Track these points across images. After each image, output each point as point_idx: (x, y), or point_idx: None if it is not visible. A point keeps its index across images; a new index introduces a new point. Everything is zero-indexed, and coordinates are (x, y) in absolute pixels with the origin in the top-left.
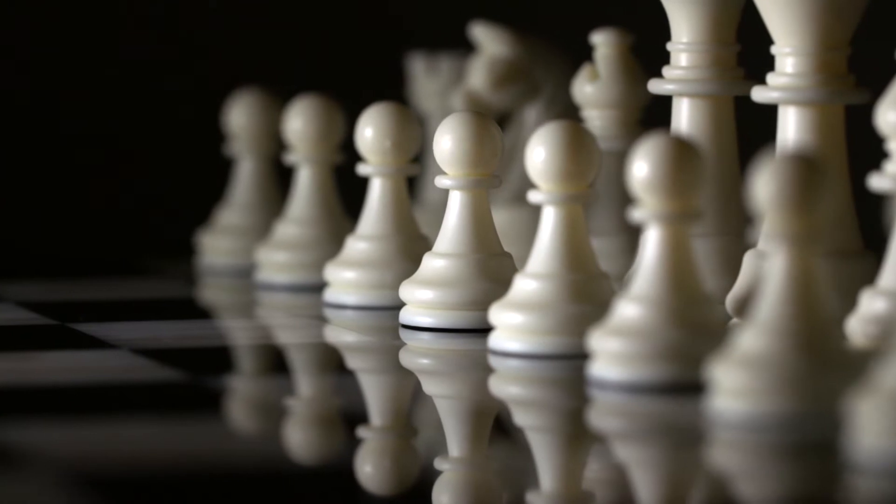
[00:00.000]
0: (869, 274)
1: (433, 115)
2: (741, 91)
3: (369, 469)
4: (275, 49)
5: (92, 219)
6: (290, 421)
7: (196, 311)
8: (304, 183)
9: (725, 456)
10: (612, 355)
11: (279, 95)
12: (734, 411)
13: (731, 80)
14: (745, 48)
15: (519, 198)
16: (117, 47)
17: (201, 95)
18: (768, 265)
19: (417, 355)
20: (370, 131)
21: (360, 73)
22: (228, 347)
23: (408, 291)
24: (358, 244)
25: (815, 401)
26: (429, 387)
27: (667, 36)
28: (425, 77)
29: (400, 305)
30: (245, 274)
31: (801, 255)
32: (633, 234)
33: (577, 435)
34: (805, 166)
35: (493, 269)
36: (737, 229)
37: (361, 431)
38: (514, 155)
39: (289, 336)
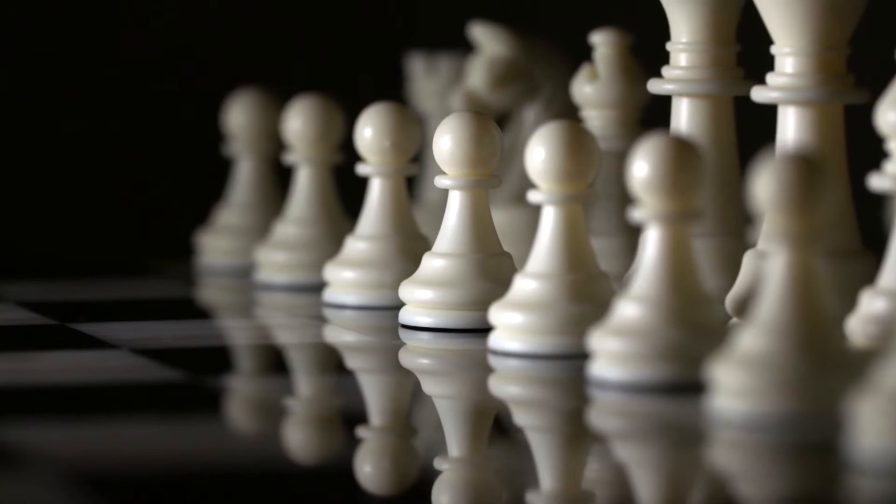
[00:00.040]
0: (868, 274)
1: (432, 115)
2: (741, 91)
3: (369, 469)
4: (274, 49)
5: (91, 219)
6: (290, 421)
7: (195, 312)
8: (304, 183)
9: (725, 456)
10: (612, 355)
11: (278, 95)
12: (734, 411)
13: (730, 80)
14: (745, 48)
15: (518, 198)
16: (117, 47)
17: (201, 95)
18: (768, 265)
19: (417, 355)
20: (370, 131)
21: (360, 73)
22: (228, 347)
23: (407, 291)
24: (357, 244)
25: (816, 401)
26: (428, 387)
27: (666, 36)
28: (424, 77)
29: (399, 305)
30: (244, 274)
31: (802, 255)
32: (632, 234)
33: (577, 435)
34: (805, 166)
35: (492, 269)
36: (737, 229)
37: (361, 431)
38: (514, 155)
39: (288, 336)
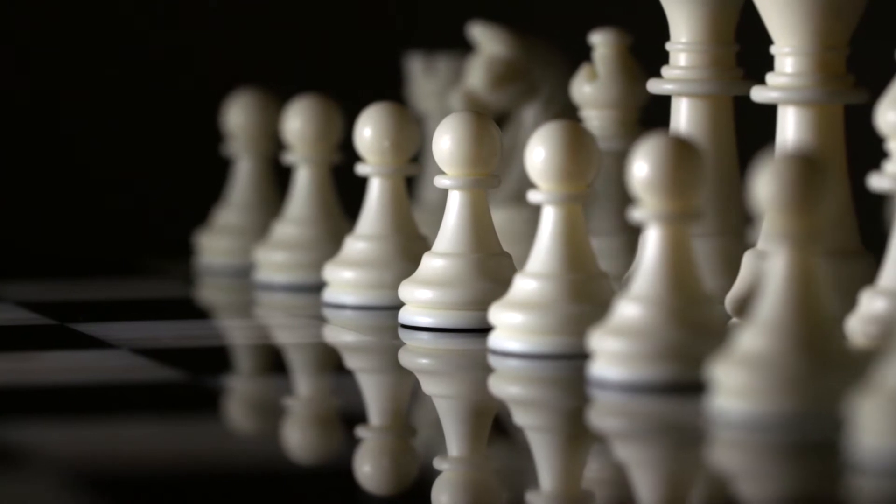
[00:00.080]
0: (868, 274)
1: (431, 115)
2: (740, 91)
3: (368, 469)
4: (273, 49)
5: (91, 219)
6: (289, 421)
7: (195, 312)
8: (303, 183)
9: (726, 456)
10: (612, 355)
11: (277, 95)
12: (734, 411)
13: (730, 80)
14: (744, 48)
15: (517, 197)
16: (117, 47)
17: (200, 95)
18: (769, 265)
19: (416, 355)
20: (369, 131)
21: (359, 73)
22: (227, 347)
23: (407, 291)
24: (357, 244)
25: (816, 400)
26: (428, 386)
27: (666, 36)
28: (423, 77)
29: (399, 305)
30: (243, 274)
31: (802, 255)
32: (632, 234)
33: (577, 435)
34: (805, 166)
35: (492, 269)
36: (736, 229)
37: (360, 431)
38: (513, 155)
39: (288, 336)
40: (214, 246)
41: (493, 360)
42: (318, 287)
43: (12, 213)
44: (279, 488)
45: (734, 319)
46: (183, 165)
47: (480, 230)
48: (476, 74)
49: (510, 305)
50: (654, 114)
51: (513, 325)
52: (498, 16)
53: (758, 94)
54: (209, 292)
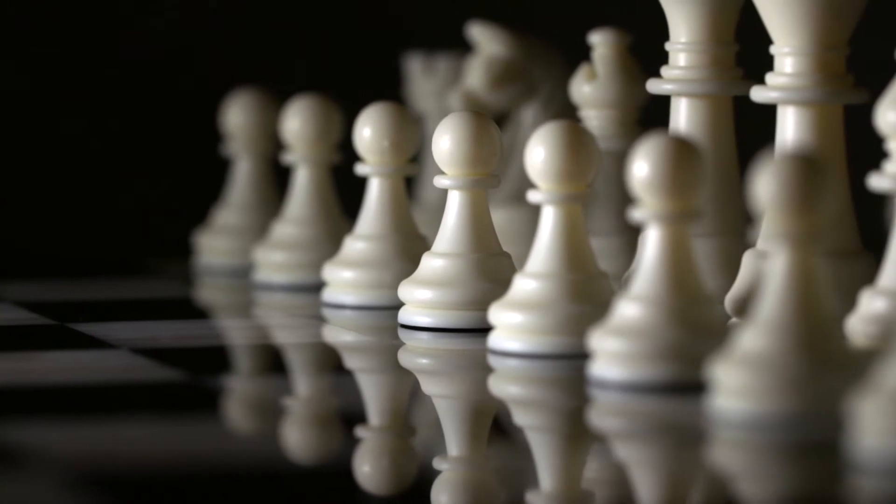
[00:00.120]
0: (868, 274)
1: (430, 115)
2: (740, 91)
3: (367, 469)
4: (273, 49)
5: (90, 219)
6: (289, 421)
7: (194, 311)
8: (302, 183)
9: (726, 455)
10: (612, 355)
11: (277, 95)
12: (735, 411)
13: (729, 80)
14: (744, 48)
15: (517, 197)
16: (117, 47)
17: (200, 95)
18: (769, 265)
19: (416, 355)
20: (368, 131)
21: (358, 73)
22: (227, 347)
23: (407, 291)
24: (356, 244)
25: (816, 400)
26: (428, 386)
27: (665, 36)
28: (422, 77)
29: (398, 305)
30: (242, 274)
31: (802, 255)
32: (631, 234)
33: (577, 435)
34: (806, 166)
35: (491, 269)
36: (737, 229)
37: (360, 431)
38: (512, 155)
39: (287, 336)
40: (214, 246)
41: (493, 360)
42: (318, 287)
43: (12, 213)
44: (279, 488)
45: (734, 319)
46: (182, 165)
47: (480, 230)
48: (475, 74)
49: (510, 305)
50: (653, 114)
51: (513, 325)
52: (497, 16)
53: (757, 94)
54: (208, 292)
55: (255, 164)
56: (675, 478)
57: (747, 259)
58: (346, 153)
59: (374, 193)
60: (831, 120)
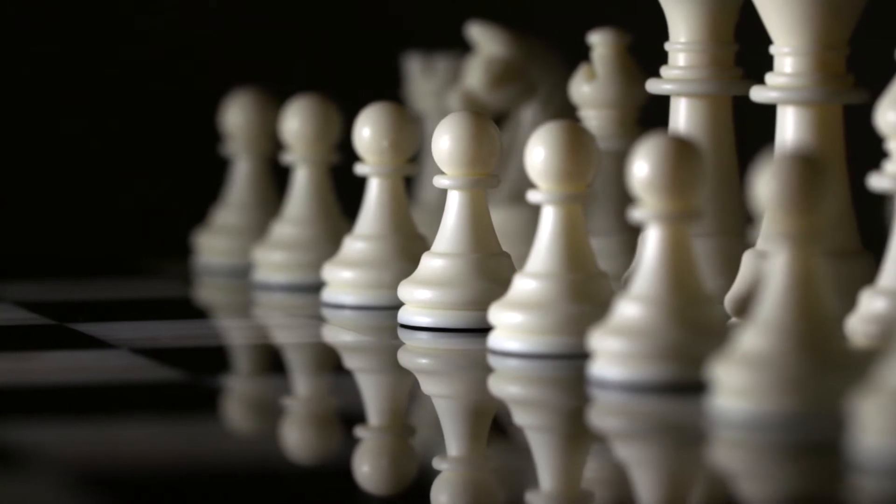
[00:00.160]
0: (868, 274)
1: (429, 115)
2: (739, 91)
3: (367, 469)
4: (272, 49)
5: (89, 219)
6: (288, 421)
7: (193, 311)
8: (301, 183)
9: (727, 455)
10: (612, 355)
11: (276, 95)
12: (735, 411)
13: (728, 80)
14: (744, 48)
15: (516, 197)
16: (117, 47)
17: (199, 95)
18: (769, 265)
19: (416, 355)
20: (368, 131)
21: (358, 73)
22: (226, 347)
23: (406, 291)
24: (356, 244)
25: (817, 400)
26: (427, 386)
27: (664, 36)
28: (421, 77)
29: (398, 305)
30: (241, 274)
31: (803, 255)
32: (630, 234)
33: (577, 435)
34: (806, 166)
35: (491, 269)
36: (736, 229)
37: (359, 431)
38: (511, 155)
39: (286, 336)
40: (213, 246)
41: (493, 360)
42: (317, 287)
43: (12, 213)
44: (278, 488)
45: (733, 319)
46: (182, 165)
47: (480, 230)
48: (474, 74)
49: (510, 305)
50: (652, 114)
51: (512, 325)
52: (496, 16)
53: (757, 94)
54: (208, 292)
55: (254, 163)
56: (676, 478)
57: (747, 259)
58: (346, 153)
59: (374, 193)
60: (831, 120)
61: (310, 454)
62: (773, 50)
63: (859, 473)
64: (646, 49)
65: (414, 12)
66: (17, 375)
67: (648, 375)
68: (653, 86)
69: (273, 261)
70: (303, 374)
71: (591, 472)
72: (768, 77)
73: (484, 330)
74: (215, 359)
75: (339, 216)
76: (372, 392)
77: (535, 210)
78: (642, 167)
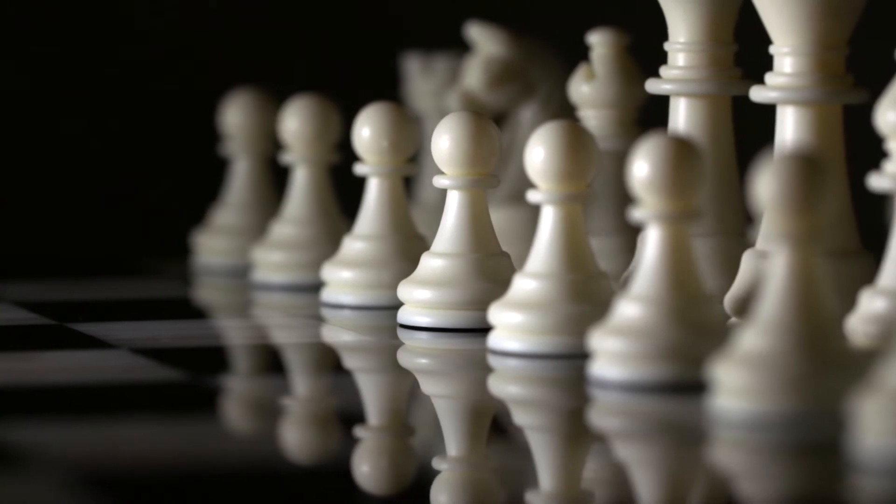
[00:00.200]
0: (868, 274)
1: (428, 115)
2: (738, 91)
3: (367, 469)
4: (271, 49)
5: (89, 219)
6: (288, 421)
7: (193, 311)
8: (301, 183)
9: (727, 455)
10: (612, 354)
11: (275, 95)
12: (735, 410)
13: (728, 80)
14: (743, 48)
15: (516, 197)
16: (117, 47)
17: (199, 95)
18: (769, 265)
19: (415, 355)
20: (367, 131)
21: (357, 72)
22: (226, 347)
23: (406, 291)
24: (355, 244)
25: (817, 400)
26: (427, 386)
27: (664, 36)
28: (420, 77)
29: (397, 305)
30: (241, 274)
31: (803, 255)
32: (629, 234)
33: (577, 435)
34: (807, 166)
35: (491, 269)
36: (735, 229)
37: (359, 431)
38: (511, 155)
39: (286, 336)
40: (212, 246)
41: (493, 360)
42: (316, 287)
43: (12, 213)
44: (278, 488)
45: (733, 319)
46: (181, 165)
47: (479, 230)
48: (473, 74)
49: (510, 305)
50: (651, 114)
51: (512, 325)
52: (495, 16)
53: (757, 94)
54: (207, 292)
55: (253, 163)
56: (676, 478)
57: (747, 259)
58: (345, 153)
59: (373, 193)
60: (831, 120)
61: (309, 454)
62: (772, 50)
63: (859, 473)
64: (645, 49)
65: (413, 12)
66: (17, 375)
67: (648, 375)
68: (652, 86)
69: (272, 261)
70: (302, 374)
71: (591, 472)
72: (768, 77)
73: (484, 330)
74: (215, 359)
75: (339, 216)
76: (371, 392)
77: (535, 210)
78: (642, 167)
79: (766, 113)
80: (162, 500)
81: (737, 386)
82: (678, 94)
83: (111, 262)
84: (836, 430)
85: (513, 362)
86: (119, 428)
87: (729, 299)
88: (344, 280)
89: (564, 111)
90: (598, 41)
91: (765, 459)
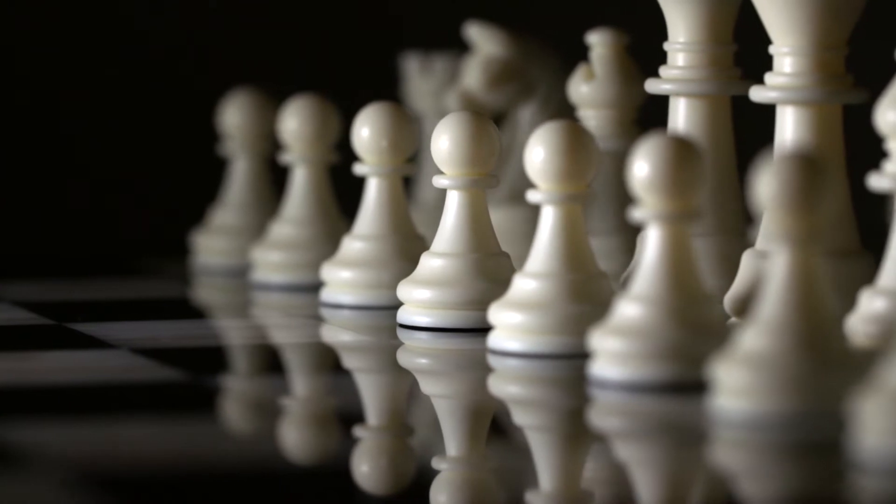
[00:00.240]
0: (867, 274)
1: (427, 115)
2: (738, 91)
3: (366, 468)
4: (271, 49)
5: (88, 219)
6: (287, 420)
7: (192, 311)
8: (300, 182)
9: (727, 455)
10: (612, 354)
11: (274, 95)
12: (736, 410)
13: (727, 80)
14: (743, 48)
15: (515, 197)
16: (117, 47)
17: (197, 95)
18: (770, 265)
19: (415, 355)
20: (367, 131)
21: (356, 73)
22: (225, 347)
23: (405, 291)
24: (354, 244)
25: (818, 400)
26: (426, 386)
27: (663, 36)
28: (420, 77)
29: (397, 305)
30: (239, 274)
31: (803, 255)
32: (629, 234)
33: (577, 435)
34: (806, 166)
35: (490, 269)
36: (735, 229)
37: (358, 431)
38: (510, 155)
39: (285, 336)
40: (211, 246)
41: (493, 360)
42: (316, 287)
43: (12, 213)
44: (277, 488)
45: (733, 319)
46: (180, 165)
47: (479, 230)
48: (472, 74)
49: (509, 305)
50: (651, 114)
51: (512, 325)
52: (494, 16)
53: (756, 94)
54: (206, 292)
55: (252, 163)
56: (676, 478)
57: (746, 259)
58: (344, 153)
59: (373, 193)
60: (830, 120)
61: (309, 454)
62: (772, 50)
63: (860, 473)
64: (645, 49)
65: (412, 12)
66: (16, 375)
67: (648, 375)
68: (652, 86)
69: (271, 261)
70: (302, 373)
71: (591, 472)
72: (767, 77)
73: (483, 330)
74: (214, 359)
75: (338, 216)
76: (371, 392)
77: (535, 210)
78: (642, 167)
79: (766, 113)
80: (162, 500)
81: (737, 386)
82: (678, 94)
83: (111, 262)
84: (836, 430)
85: (513, 362)
86: (119, 428)
87: (729, 299)
88: (343, 280)
89: (563, 111)
90: (598, 41)
91: (765, 459)
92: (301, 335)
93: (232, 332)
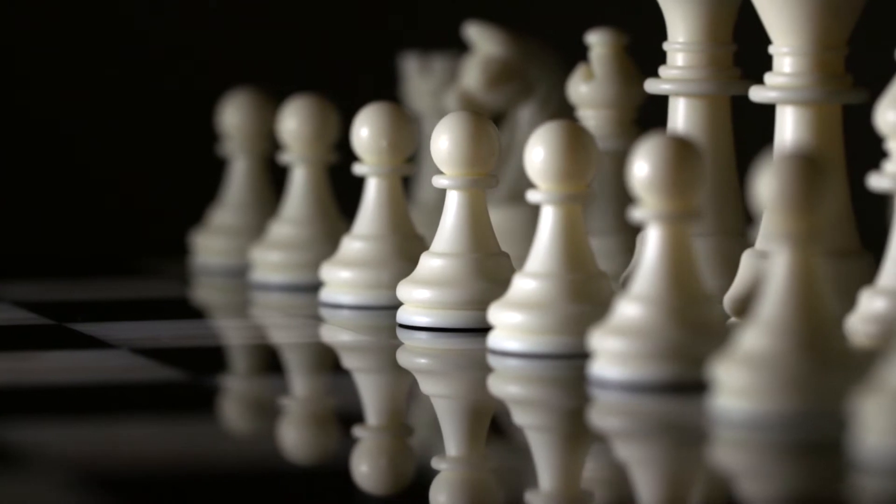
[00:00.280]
0: (867, 273)
1: (427, 115)
2: (737, 91)
3: (365, 468)
4: (270, 49)
5: (88, 219)
6: (286, 420)
7: (191, 311)
8: (299, 182)
9: (728, 455)
10: (612, 354)
11: (273, 95)
12: (736, 410)
13: (727, 80)
14: (742, 48)
15: (514, 197)
16: (117, 47)
17: (197, 95)
18: (770, 265)
19: (415, 355)
20: (366, 131)
21: (355, 72)
22: (225, 347)
23: (405, 291)
24: (354, 244)
25: (818, 400)
26: (426, 386)
27: (663, 35)
28: (419, 77)
29: (396, 305)
30: (239, 274)
31: (804, 255)
32: (628, 234)
33: (577, 435)
34: (806, 166)
35: (490, 269)
36: (734, 229)
37: (357, 431)
38: (510, 155)
39: (284, 336)
40: (210, 246)
41: (492, 360)
42: (315, 287)
43: (12, 213)
44: (276, 488)
45: (733, 319)
46: (180, 165)
47: (479, 230)
48: (472, 74)
49: (509, 305)
50: (650, 114)
51: (512, 325)
52: (494, 16)
53: (756, 94)
54: (205, 292)
55: (251, 163)
56: (676, 477)
57: (747, 259)
58: (344, 153)
59: (372, 193)
60: (830, 120)
61: (308, 454)
62: (772, 50)
63: (860, 473)
64: (644, 49)
65: (412, 12)
66: (16, 375)
67: (648, 375)
68: (651, 86)
69: (271, 261)
70: (301, 373)
71: (591, 472)
72: (767, 77)
73: (483, 330)
74: (214, 359)
75: (337, 216)
76: (370, 392)
77: (535, 210)
78: (642, 167)
79: (766, 113)
80: (162, 500)
81: (737, 386)
82: (677, 94)
83: (111, 262)
84: (836, 429)
85: (512, 362)
86: (119, 428)
87: (729, 299)
88: (343, 280)
89: (563, 111)
90: (597, 41)
91: (765, 459)
92: (300, 335)
93: (231, 332)
